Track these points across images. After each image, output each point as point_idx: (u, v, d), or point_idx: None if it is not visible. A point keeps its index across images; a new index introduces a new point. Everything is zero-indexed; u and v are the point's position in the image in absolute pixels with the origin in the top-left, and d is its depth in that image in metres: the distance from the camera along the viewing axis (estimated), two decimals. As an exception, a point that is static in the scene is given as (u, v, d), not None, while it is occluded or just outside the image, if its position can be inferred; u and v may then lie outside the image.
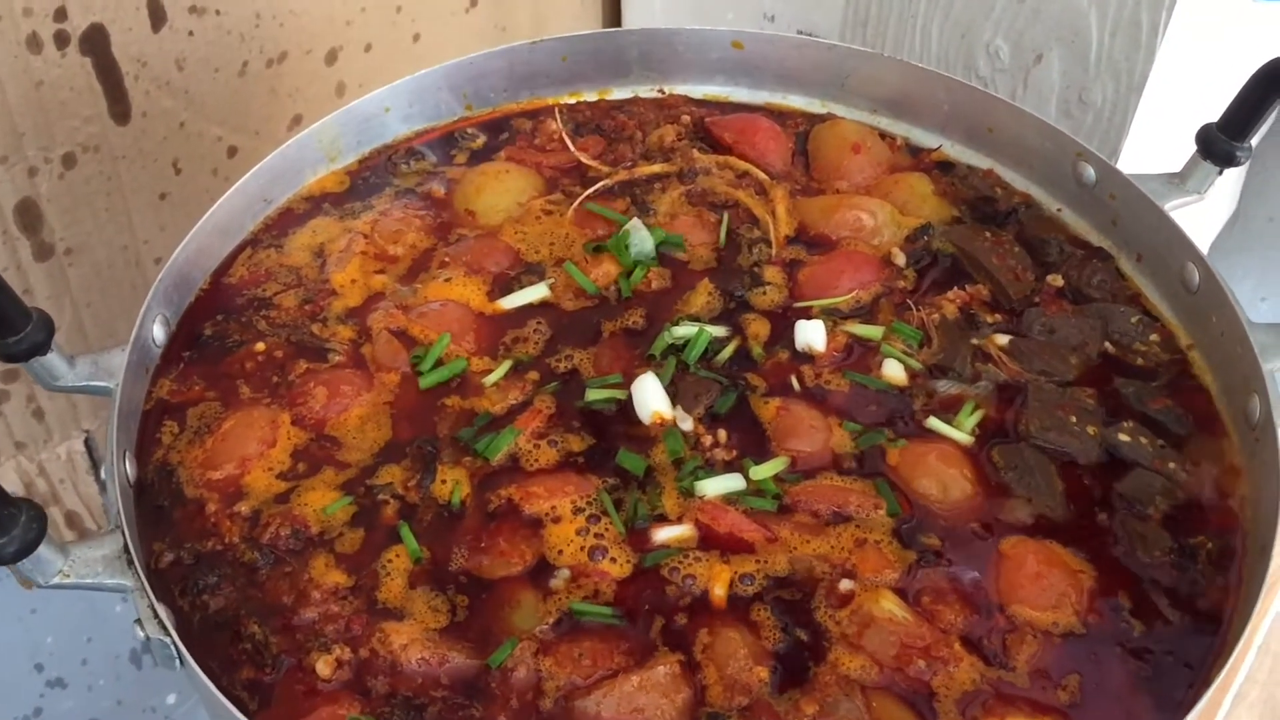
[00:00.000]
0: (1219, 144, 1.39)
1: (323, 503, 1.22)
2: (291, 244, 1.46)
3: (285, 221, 1.49)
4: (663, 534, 1.20)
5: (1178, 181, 1.44)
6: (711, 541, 1.20)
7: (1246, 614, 1.10)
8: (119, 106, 1.73)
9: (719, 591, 1.15)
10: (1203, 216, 3.05)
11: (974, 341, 1.37)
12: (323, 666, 1.10)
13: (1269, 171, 3.33)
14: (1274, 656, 1.71)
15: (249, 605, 1.14)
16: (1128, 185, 1.42)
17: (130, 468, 1.22)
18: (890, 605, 1.15)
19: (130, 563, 1.11)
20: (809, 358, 1.36)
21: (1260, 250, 3.49)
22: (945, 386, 1.34)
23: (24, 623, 2.08)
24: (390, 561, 1.18)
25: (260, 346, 1.35)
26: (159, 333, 1.32)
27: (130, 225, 1.85)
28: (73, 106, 1.67)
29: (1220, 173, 1.41)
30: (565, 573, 1.16)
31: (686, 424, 1.28)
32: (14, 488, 1.85)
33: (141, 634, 1.08)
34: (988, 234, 1.48)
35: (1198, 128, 1.42)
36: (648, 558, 1.18)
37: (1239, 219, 3.44)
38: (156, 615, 1.07)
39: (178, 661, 1.07)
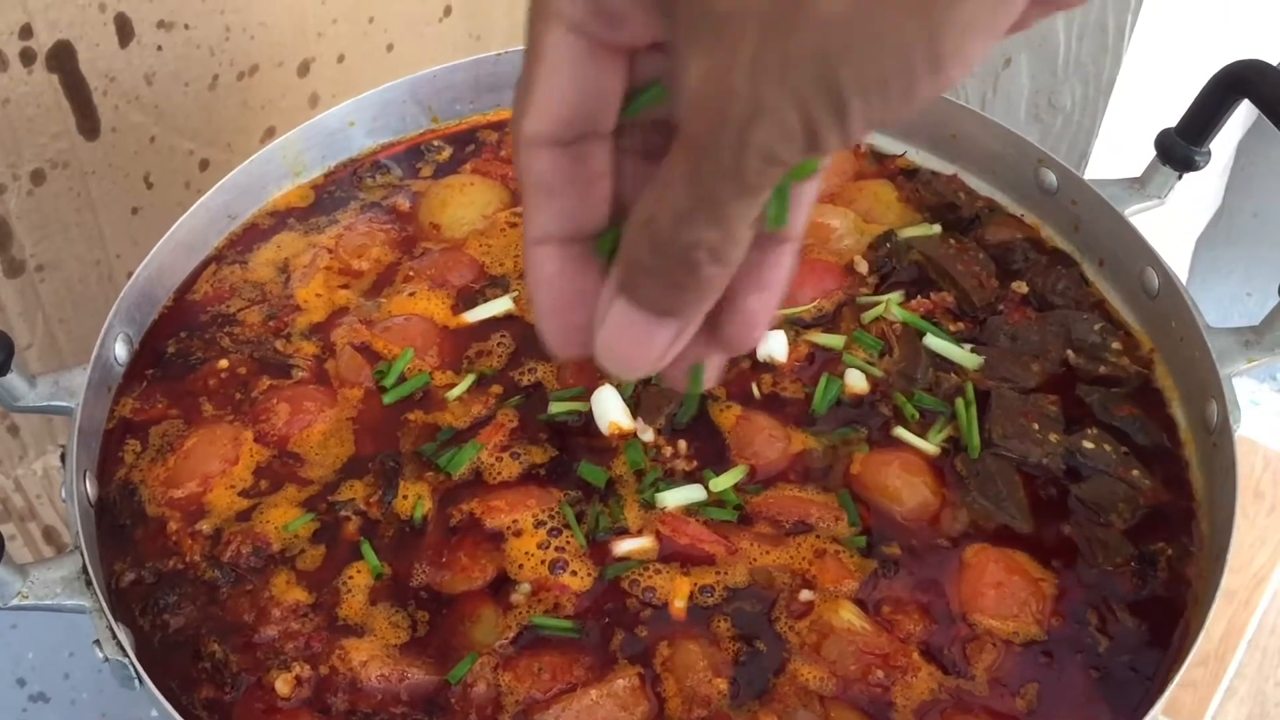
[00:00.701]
0: (1178, 148, 1.39)
1: (284, 520, 1.22)
2: (256, 260, 1.46)
3: (250, 237, 1.49)
4: (623, 546, 1.20)
5: (1138, 186, 1.44)
6: (672, 553, 1.20)
7: (1202, 619, 1.10)
8: (88, 122, 1.73)
9: (679, 604, 1.16)
10: (1187, 212, 3.05)
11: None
12: (282, 685, 1.10)
13: (1254, 166, 3.33)
14: (1263, 652, 1.71)
15: (209, 624, 1.15)
16: (1087, 190, 1.43)
17: (91, 487, 1.22)
18: (849, 615, 1.16)
19: (89, 583, 1.11)
20: (770, 366, 1.36)
21: (1246, 245, 3.49)
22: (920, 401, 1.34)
23: (4, 638, 2.08)
24: (351, 578, 1.18)
25: (224, 363, 1.35)
26: (121, 351, 1.33)
27: (102, 240, 1.84)
28: (40, 123, 1.67)
29: (1180, 177, 1.41)
30: (526, 587, 1.17)
31: (647, 435, 1.28)
32: (-11, 504, 1.86)
33: (100, 655, 1.08)
34: (951, 241, 1.49)
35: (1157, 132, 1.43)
36: (608, 570, 1.18)
37: (1224, 214, 3.44)
38: (115, 636, 1.08)
39: (137, 681, 1.08)
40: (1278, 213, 3.41)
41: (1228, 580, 1.11)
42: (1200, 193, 3.10)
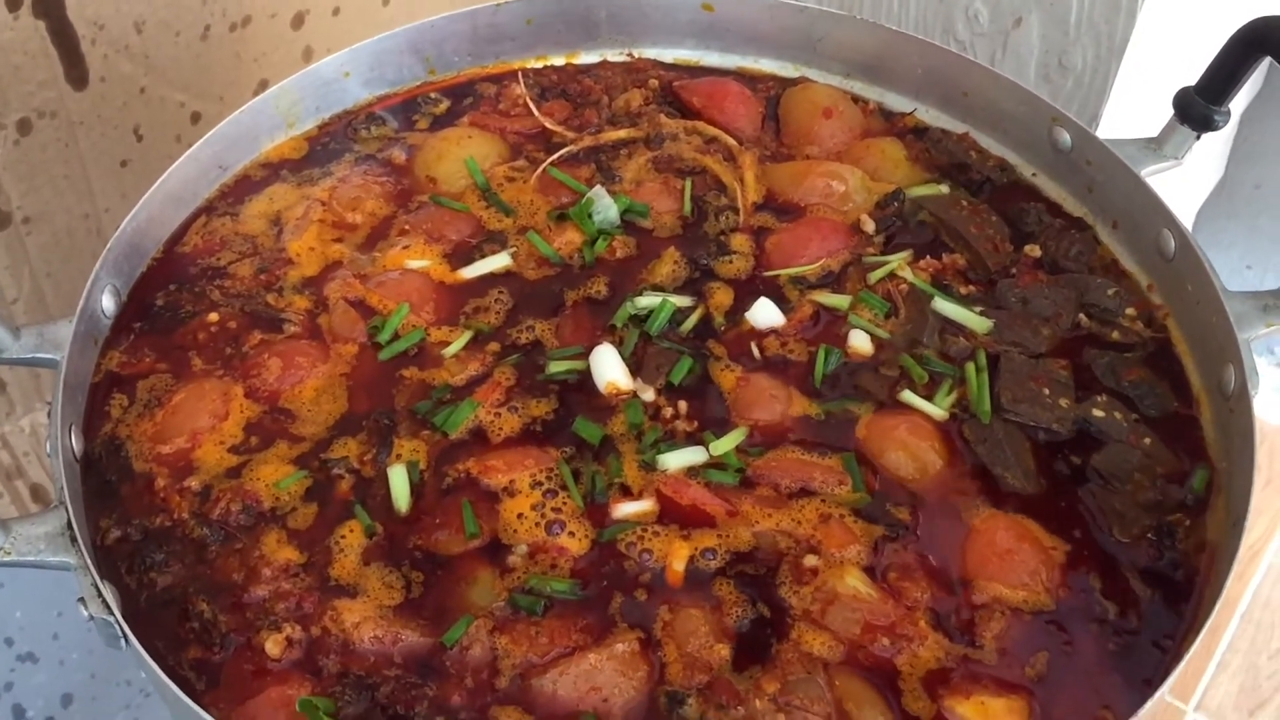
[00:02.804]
0: (1196, 108, 1.35)
1: (275, 477, 1.19)
2: (247, 212, 1.42)
3: (241, 189, 1.45)
4: (623, 509, 1.17)
5: (1155, 147, 1.40)
6: (672, 515, 1.17)
7: (1219, 589, 1.08)
8: (76, 71, 1.69)
9: (677, 567, 1.13)
10: (1188, 183, 3.02)
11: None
12: (272, 646, 1.07)
13: (1257, 137, 3.29)
14: (1256, 625, 1.70)
15: (198, 583, 1.12)
16: (1103, 150, 1.39)
17: (77, 441, 1.19)
18: (855, 582, 1.13)
19: (74, 540, 1.08)
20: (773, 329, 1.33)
21: (1246, 217, 3.45)
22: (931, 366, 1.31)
23: (-9, 597, 2.05)
24: (344, 537, 1.15)
25: (213, 317, 1.31)
26: (109, 303, 1.29)
27: (91, 193, 1.80)
28: (27, 71, 1.63)
29: (1198, 137, 1.37)
30: (523, 548, 1.14)
31: (648, 394, 1.25)
32: (-25, 461, 1.82)
33: (85, 613, 1.05)
34: (964, 203, 1.45)
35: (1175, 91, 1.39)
36: (605, 532, 1.15)
37: (1225, 186, 3.41)
38: (100, 594, 1.05)
39: (123, 641, 1.05)
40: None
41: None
42: (1202, 164, 3.06)
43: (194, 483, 1.18)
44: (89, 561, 1.06)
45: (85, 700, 2.11)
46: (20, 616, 2.08)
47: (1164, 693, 1.04)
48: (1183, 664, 1.03)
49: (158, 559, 1.12)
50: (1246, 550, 1.79)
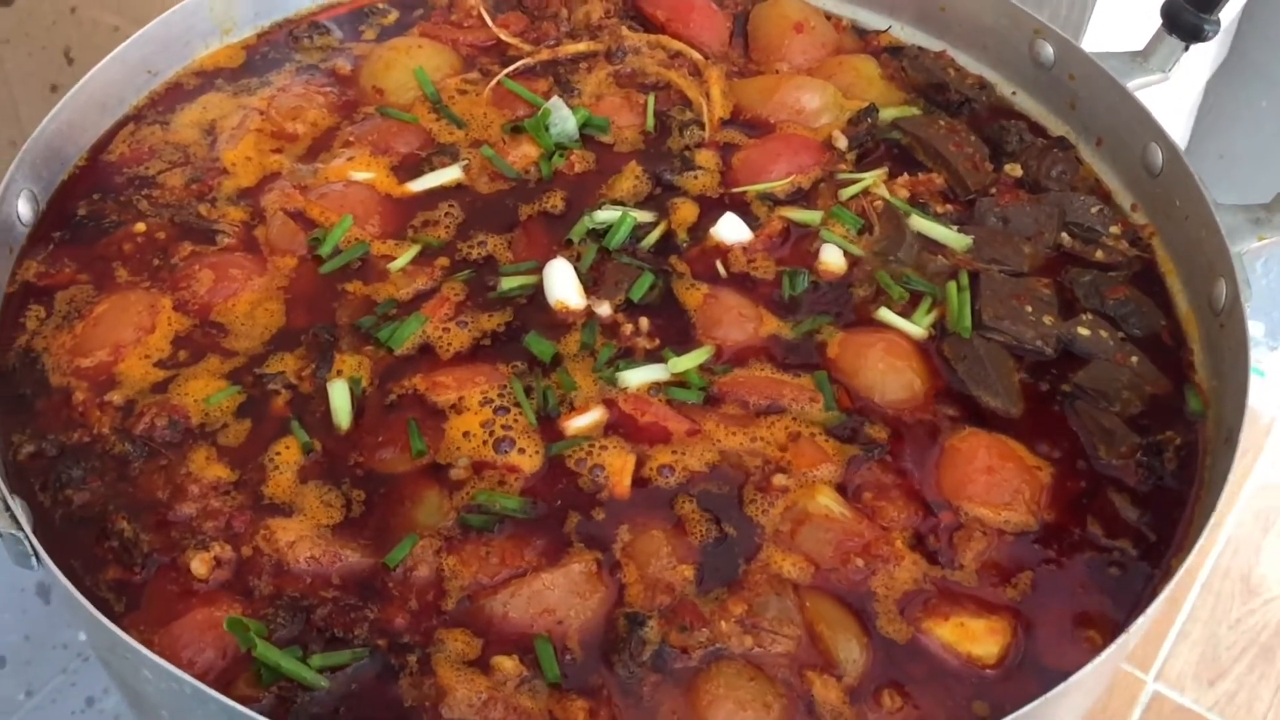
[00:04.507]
0: (1185, 16, 1.29)
1: (205, 392, 1.10)
2: (179, 120, 1.33)
3: (172, 97, 1.36)
4: (577, 423, 1.09)
5: (1141, 60, 1.34)
6: (634, 434, 1.09)
7: (1210, 505, 1.02)
8: (0, -16, 1.59)
9: (625, 482, 1.05)
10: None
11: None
12: (198, 565, 0.99)
13: (1223, 106, 3.25)
14: (1215, 595, 1.68)
15: (118, 501, 1.03)
16: (1088, 63, 1.33)
17: (-13, 352, 1.10)
18: (827, 501, 1.06)
19: (-20, 451, 0.99)
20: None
21: (1210, 188, 3.41)
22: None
23: (-85, 552, 1.95)
24: (279, 454, 1.07)
25: (140, 227, 1.23)
26: (25, 209, 1.20)
27: (17, 117, 1.71)
28: (-54, -20, 1.53)
29: (1186, 49, 1.31)
30: (465, 460, 1.06)
31: (603, 309, 1.18)
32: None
33: (-9, 529, 0.96)
34: (942, 122, 1.38)
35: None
36: (553, 446, 1.07)
37: (1189, 156, 3.37)
38: (8, 508, 0.96)
39: (33, 559, 0.96)
40: (1243, 155, 3.34)
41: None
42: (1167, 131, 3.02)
43: (116, 397, 1.09)
44: (-3, 473, 0.97)
45: (19, 664, 2.01)
46: (-52, 575, 1.98)
47: (1151, 615, 0.97)
48: (1173, 582, 0.97)
49: (75, 475, 1.04)
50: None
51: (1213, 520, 0.97)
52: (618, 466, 1.07)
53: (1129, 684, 1.61)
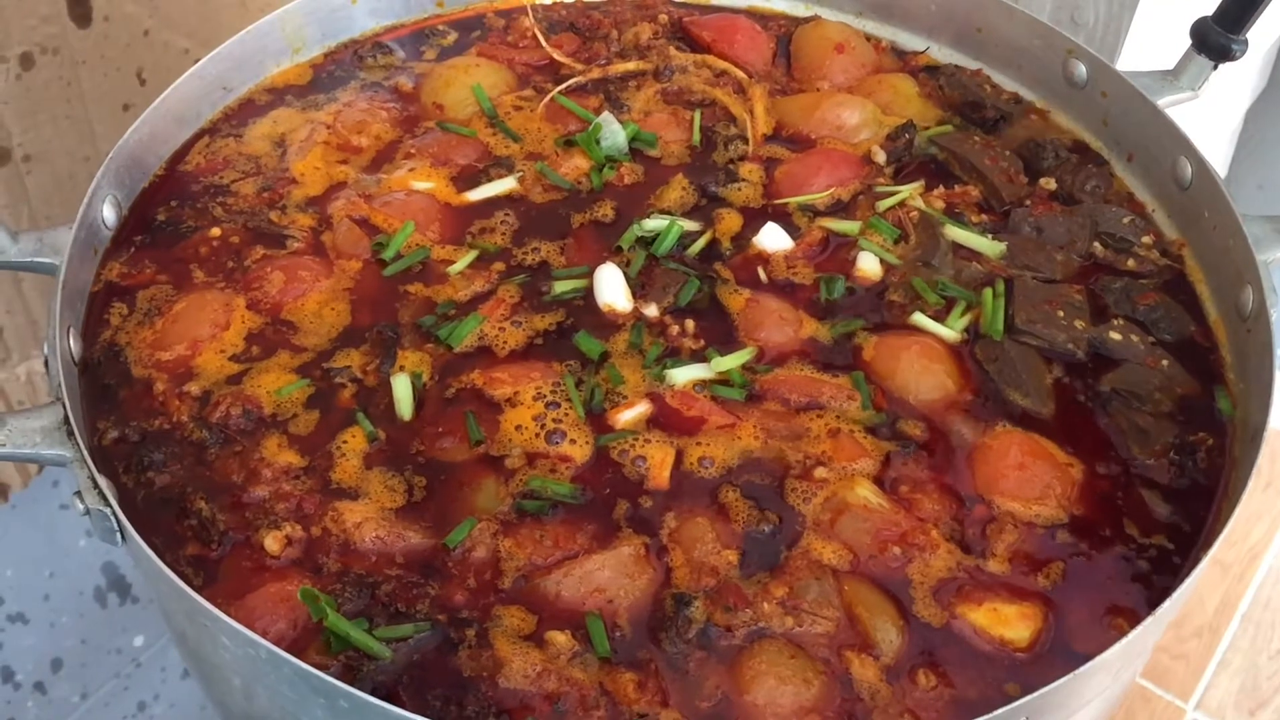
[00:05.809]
0: (1213, 36, 1.34)
1: (277, 385, 1.17)
2: (251, 133, 1.41)
3: (245, 112, 1.44)
4: (625, 416, 1.15)
5: (1171, 78, 1.39)
6: (679, 427, 1.15)
7: (1235, 499, 1.05)
8: (80, 8, 1.67)
9: (664, 474, 1.11)
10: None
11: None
12: (271, 543, 1.05)
13: (1263, 135, 3.27)
14: (1256, 625, 1.70)
15: (196, 483, 1.09)
16: (1120, 81, 1.38)
17: (75, 344, 1.17)
18: (865, 492, 1.11)
19: (70, 434, 1.06)
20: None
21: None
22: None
23: (-17, 553, 2.02)
24: (345, 443, 1.13)
25: (215, 232, 1.30)
26: (109, 214, 1.27)
27: (92, 136, 1.78)
28: (30, 4, 1.61)
29: (1215, 68, 1.36)
30: (518, 450, 1.12)
31: (650, 310, 1.23)
32: (-29, 404, 1.80)
33: (81, 506, 1.02)
34: (977, 138, 1.44)
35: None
36: (602, 438, 1.13)
37: (1229, 185, 3.39)
38: (96, 485, 1.02)
39: (119, 535, 1.02)
40: (1285, 185, 3.35)
41: (1222, 553, 1.06)
42: (1208, 161, 3.04)
43: (194, 388, 1.16)
44: (85, 454, 1.04)
45: (75, 666, 2.08)
46: (11, 575, 2.05)
47: (1178, 602, 1.01)
48: (1198, 571, 1.00)
49: (156, 459, 1.10)
50: (1246, 552, 1.80)
51: (1230, 523, 1.01)
52: (658, 459, 1.13)
53: (1170, 713, 1.63)
